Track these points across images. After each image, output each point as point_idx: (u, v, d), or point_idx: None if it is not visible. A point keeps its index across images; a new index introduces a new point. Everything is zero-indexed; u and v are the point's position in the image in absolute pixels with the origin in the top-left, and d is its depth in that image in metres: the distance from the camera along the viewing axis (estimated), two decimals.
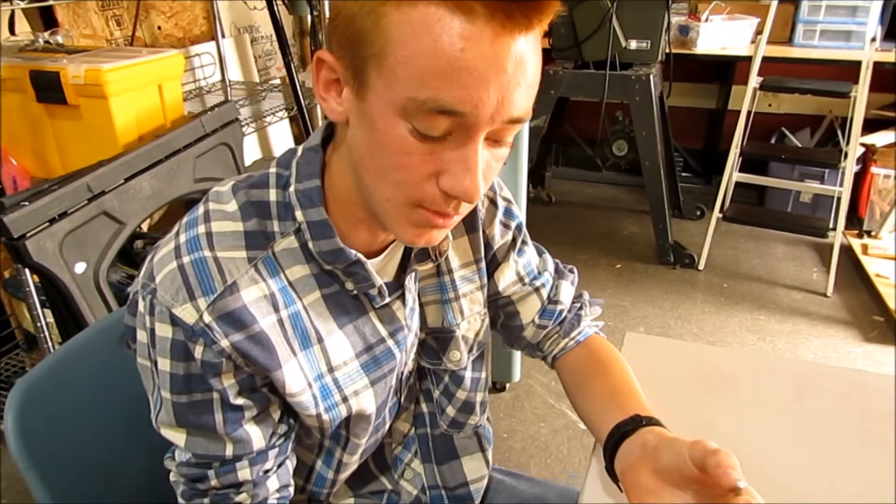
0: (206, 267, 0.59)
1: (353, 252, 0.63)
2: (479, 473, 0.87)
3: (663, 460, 0.60)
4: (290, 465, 0.71)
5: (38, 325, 1.37)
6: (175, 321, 0.58)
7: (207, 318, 0.58)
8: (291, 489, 0.71)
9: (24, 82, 1.52)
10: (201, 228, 0.61)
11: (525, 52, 0.50)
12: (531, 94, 0.54)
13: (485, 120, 0.51)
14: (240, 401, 0.62)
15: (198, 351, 0.59)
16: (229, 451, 0.64)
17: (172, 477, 0.67)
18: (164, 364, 0.60)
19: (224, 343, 0.59)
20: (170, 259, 0.60)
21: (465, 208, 0.59)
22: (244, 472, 0.65)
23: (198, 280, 0.58)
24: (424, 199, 0.56)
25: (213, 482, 0.65)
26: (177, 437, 0.64)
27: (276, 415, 0.67)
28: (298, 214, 0.63)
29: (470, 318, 0.79)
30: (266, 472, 0.67)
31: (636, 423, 0.68)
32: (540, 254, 0.87)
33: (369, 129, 0.54)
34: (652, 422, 0.68)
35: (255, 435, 0.65)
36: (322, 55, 0.56)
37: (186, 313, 0.58)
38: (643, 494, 0.60)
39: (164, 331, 0.59)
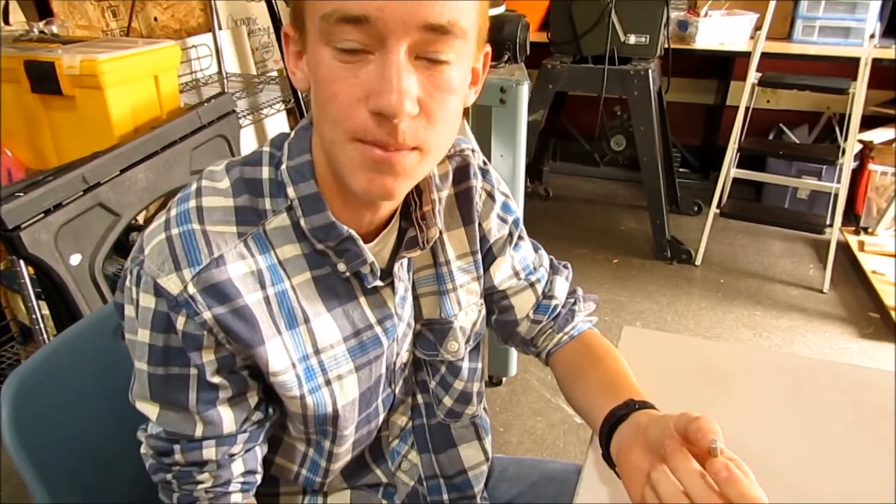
0: (194, 239, 0.60)
1: (345, 227, 0.63)
2: (477, 460, 0.88)
3: (652, 437, 0.60)
4: (259, 452, 0.72)
5: (33, 317, 1.36)
6: (159, 292, 0.59)
7: (192, 290, 0.58)
8: (258, 476, 0.72)
9: (19, 73, 1.51)
10: (192, 203, 0.62)
11: None
12: (456, 3, 0.52)
13: (396, 25, 0.50)
14: (216, 380, 0.63)
15: (180, 322, 0.59)
16: (199, 431, 0.65)
17: (143, 449, 0.68)
18: (144, 335, 0.61)
19: (206, 315, 0.59)
20: (159, 231, 0.61)
21: (410, 138, 0.55)
22: (209, 452, 0.66)
23: (184, 251, 0.59)
24: (357, 128, 0.54)
25: (178, 457, 0.66)
26: (150, 410, 0.65)
27: (253, 401, 0.67)
28: (290, 191, 0.63)
29: (467, 309, 0.79)
30: (231, 455, 0.68)
31: (630, 407, 0.68)
32: (535, 249, 0.87)
33: (311, 74, 0.56)
34: (645, 405, 0.68)
35: (227, 418, 0.65)
36: (286, 29, 0.60)
37: (171, 284, 0.58)
38: (634, 473, 0.60)
39: (148, 301, 0.59)
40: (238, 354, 0.63)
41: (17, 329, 1.84)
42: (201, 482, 0.67)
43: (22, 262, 1.26)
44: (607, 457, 0.68)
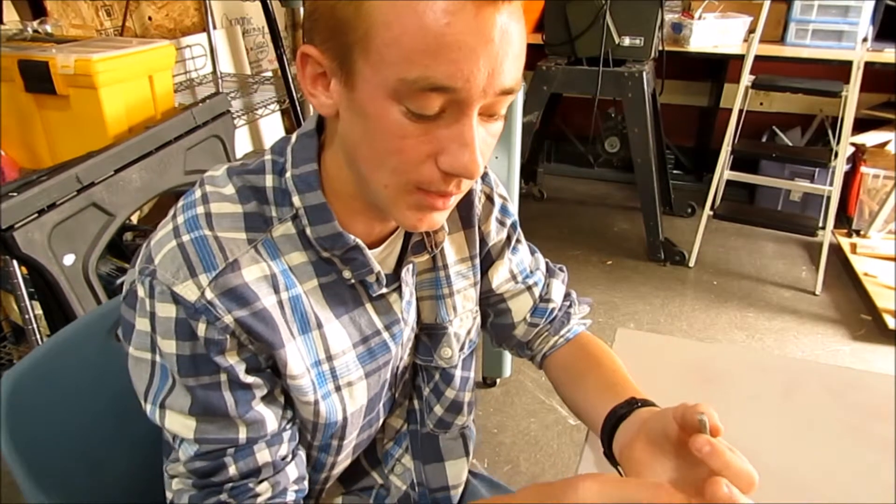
0: (207, 244, 0.58)
1: (352, 237, 0.62)
2: (459, 479, 0.87)
3: (652, 429, 0.61)
4: (304, 455, 0.69)
5: (26, 317, 1.36)
6: (177, 299, 0.57)
7: (209, 295, 0.57)
8: (307, 483, 0.69)
9: (13, 72, 1.50)
10: (200, 209, 0.60)
11: (509, 21, 0.51)
12: (519, 63, 0.54)
13: (477, 93, 0.51)
14: (249, 379, 0.61)
15: (200, 329, 0.57)
16: (243, 433, 0.61)
17: (176, 485, 0.63)
18: (170, 346, 0.58)
19: (227, 319, 0.57)
20: (169, 239, 0.59)
21: (465, 186, 0.58)
22: (263, 455, 0.63)
23: (199, 257, 0.58)
24: (423, 181, 0.55)
25: (231, 470, 0.62)
26: (185, 424, 0.60)
27: (282, 398, 0.66)
28: (296, 200, 0.62)
29: (462, 316, 0.79)
30: (284, 458, 0.65)
31: (631, 405, 0.68)
32: (532, 253, 0.88)
33: (362, 117, 0.54)
34: (647, 403, 0.68)
35: (269, 416, 0.63)
36: (306, 49, 0.56)
37: (188, 290, 0.57)
38: (635, 466, 0.60)
39: (167, 311, 0.57)
40: (260, 354, 0.62)
41: (10, 329, 1.83)
42: (260, 493, 0.63)
43: (15, 261, 1.26)
44: (610, 455, 0.68)
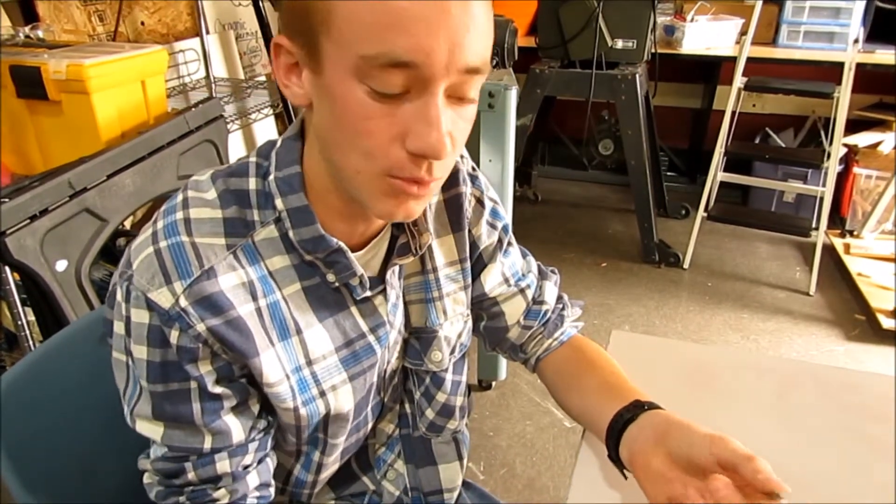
0: (184, 251, 0.58)
1: (335, 240, 0.62)
2: (453, 483, 0.87)
3: (675, 447, 0.61)
4: (271, 463, 0.70)
5: (19, 323, 1.35)
6: (151, 306, 0.57)
7: (183, 303, 0.57)
8: (272, 489, 0.70)
9: (4, 77, 1.50)
10: (179, 215, 0.60)
11: None
12: (485, 42, 0.53)
13: (440, 70, 0.50)
14: (218, 389, 0.62)
15: (173, 336, 0.58)
16: (207, 443, 0.63)
17: (147, 479, 0.66)
18: (141, 352, 0.59)
19: (200, 327, 0.58)
20: (146, 245, 0.59)
21: (440, 171, 0.57)
22: (223, 465, 0.64)
23: (174, 264, 0.58)
24: (393, 166, 0.54)
25: (191, 476, 0.64)
26: (153, 430, 0.62)
27: (256, 408, 0.66)
28: (278, 202, 0.62)
29: (453, 319, 0.79)
30: (246, 467, 0.66)
31: (638, 408, 0.68)
32: (524, 256, 0.87)
33: (329, 100, 0.54)
34: (653, 406, 0.68)
35: (235, 427, 0.64)
36: (278, 40, 0.56)
37: (162, 297, 0.57)
38: (656, 480, 0.61)
39: (141, 317, 0.58)
40: (235, 363, 0.62)
41: (2, 335, 1.82)
42: (217, 500, 0.65)
43: (7, 267, 1.25)
44: (616, 458, 0.68)
